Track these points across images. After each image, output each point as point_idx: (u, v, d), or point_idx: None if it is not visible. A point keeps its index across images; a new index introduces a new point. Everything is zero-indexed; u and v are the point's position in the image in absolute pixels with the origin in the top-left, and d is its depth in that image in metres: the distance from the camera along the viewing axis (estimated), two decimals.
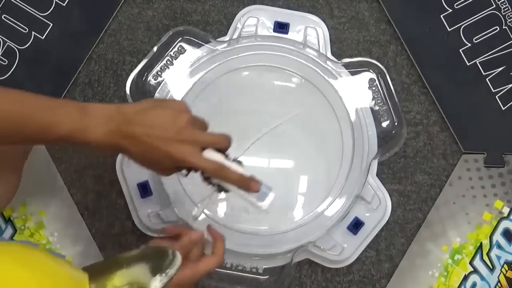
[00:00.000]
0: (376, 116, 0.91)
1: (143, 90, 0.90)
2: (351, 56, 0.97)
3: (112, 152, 0.66)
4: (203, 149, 0.66)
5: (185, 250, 0.69)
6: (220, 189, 0.70)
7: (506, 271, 0.94)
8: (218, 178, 0.68)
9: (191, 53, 0.92)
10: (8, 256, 0.46)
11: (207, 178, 0.69)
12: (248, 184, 0.67)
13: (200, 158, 0.65)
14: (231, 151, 0.69)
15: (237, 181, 0.67)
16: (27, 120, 0.60)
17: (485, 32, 0.98)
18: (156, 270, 0.50)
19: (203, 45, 0.92)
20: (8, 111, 0.59)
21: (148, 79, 0.91)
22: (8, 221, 0.93)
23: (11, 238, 0.93)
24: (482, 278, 0.94)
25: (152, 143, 0.63)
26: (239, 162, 0.69)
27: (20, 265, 0.45)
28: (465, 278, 0.94)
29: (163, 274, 0.50)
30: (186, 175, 0.69)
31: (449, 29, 0.98)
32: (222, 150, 0.68)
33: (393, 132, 0.91)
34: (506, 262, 0.94)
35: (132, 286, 0.50)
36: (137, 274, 0.51)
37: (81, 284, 0.49)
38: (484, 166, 0.96)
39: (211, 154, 0.66)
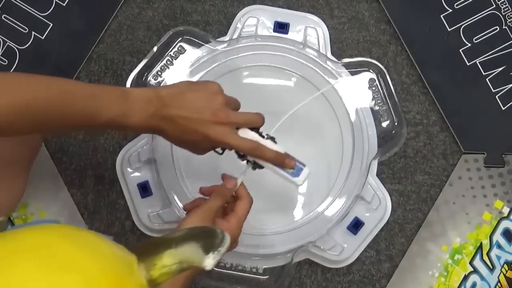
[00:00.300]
0: (376, 116, 0.91)
1: None
2: (351, 56, 0.97)
3: (150, 133, 0.70)
4: (238, 128, 0.69)
5: (224, 198, 0.72)
6: (255, 166, 0.72)
7: (506, 271, 0.94)
8: (254, 157, 0.71)
9: (191, 53, 0.92)
10: (64, 238, 0.47)
11: (241, 156, 0.72)
12: (284, 161, 0.71)
13: (236, 139, 0.68)
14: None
15: (273, 159, 0.70)
16: (72, 108, 0.61)
17: (485, 32, 0.98)
18: (208, 248, 0.51)
19: (203, 45, 0.92)
20: (54, 99, 0.60)
21: (148, 79, 0.91)
22: (8, 221, 0.93)
23: None
24: (482, 278, 0.94)
25: (190, 126, 0.67)
26: (273, 139, 0.72)
27: (79, 247, 0.46)
28: (465, 278, 0.94)
29: (216, 252, 0.50)
30: (222, 153, 0.73)
31: (449, 29, 0.98)
32: (256, 128, 0.71)
33: (393, 132, 0.91)
34: (506, 262, 0.94)
35: (182, 265, 0.50)
36: (188, 253, 0.51)
37: (131, 264, 0.49)
38: (484, 166, 0.96)
39: (246, 133, 0.69)
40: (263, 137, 0.71)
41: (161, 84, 0.90)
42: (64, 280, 0.41)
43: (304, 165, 0.73)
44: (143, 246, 0.53)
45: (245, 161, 0.72)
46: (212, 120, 0.67)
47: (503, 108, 0.97)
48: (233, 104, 0.71)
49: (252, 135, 0.70)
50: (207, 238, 0.52)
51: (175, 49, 0.92)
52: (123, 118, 0.64)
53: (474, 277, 0.94)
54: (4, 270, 0.41)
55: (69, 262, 0.43)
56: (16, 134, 0.62)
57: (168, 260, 0.50)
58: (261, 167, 0.72)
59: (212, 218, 0.69)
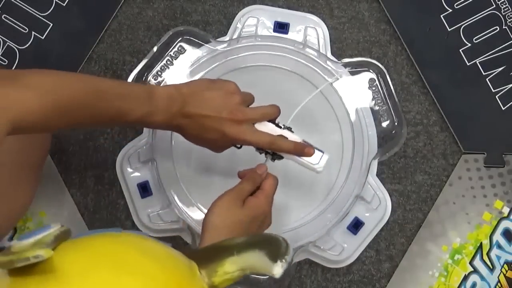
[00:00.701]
0: (376, 116, 0.91)
1: None
2: (351, 56, 0.97)
3: (169, 130, 0.73)
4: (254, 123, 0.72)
5: (254, 183, 0.74)
6: (274, 157, 0.75)
7: (506, 271, 0.94)
8: (273, 150, 0.73)
9: (191, 53, 0.92)
10: (131, 246, 0.49)
11: (260, 148, 0.74)
12: (303, 151, 0.73)
13: (254, 135, 0.71)
14: None
15: (292, 150, 0.73)
16: (104, 108, 0.63)
17: (485, 32, 0.98)
18: (274, 256, 0.51)
19: (203, 45, 0.92)
20: (90, 98, 0.61)
21: (148, 79, 0.91)
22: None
23: (11, 238, 0.93)
24: (482, 278, 0.94)
25: (208, 124, 0.69)
26: (289, 129, 0.74)
27: (145, 255, 0.48)
28: (465, 278, 0.94)
29: (283, 260, 0.51)
30: (240, 147, 0.75)
31: (449, 29, 0.98)
32: (272, 119, 0.74)
33: (393, 132, 0.91)
34: (506, 262, 0.94)
35: (244, 272, 0.52)
36: (251, 260, 0.52)
37: (193, 271, 0.50)
38: (484, 166, 0.96)
39: (263, 126, 0.72)
40: (280, 127, 0.73)
41: (161, 84, 0.90)
42: (133, 285, 0.43)
43: (322, 152, 0.75)
44: (202, 253, 0.55)
45: (263, 154, 0.75)
46: (229, 118, 0.69)
47: (503, 108, 0.97)
48: (249, 100, 0.74)
49: (270, 127, 0.72)
50: (271, 246, 0.52)
51: (175, 49, 0.92)
52: (148, 117, 0.67)
53: (474, 277, 0.94)
54: (80, 277, 0.43)
55: (138, 269, 0.45)
56: (50, 130, 0.64)
57: (230, 267, 0.51)
58: (280, 157, 0.74)
59: (242, 201, 0.71)
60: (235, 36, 0.94)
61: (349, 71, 0.92)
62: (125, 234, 0.52)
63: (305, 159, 0.74)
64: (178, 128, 0.71)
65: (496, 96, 0.97)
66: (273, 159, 0.75)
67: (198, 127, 0.70)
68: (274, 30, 0.94)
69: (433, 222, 0.95)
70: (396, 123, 0.91)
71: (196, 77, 0.91)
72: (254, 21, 0.95)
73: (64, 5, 0.98)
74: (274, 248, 0.52)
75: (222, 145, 0.73)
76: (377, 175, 0.92)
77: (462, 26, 0.98)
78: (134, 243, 0.50)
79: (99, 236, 0.50)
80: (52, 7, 0.98)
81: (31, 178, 0.82)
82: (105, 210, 0.96)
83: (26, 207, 0.84)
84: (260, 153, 0.75)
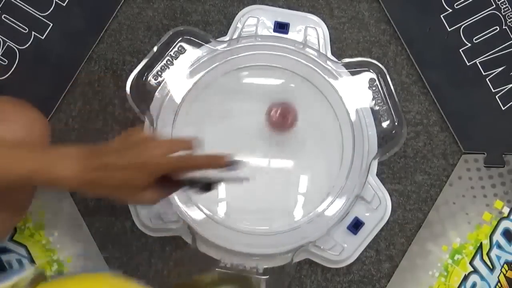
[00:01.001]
0: (376, 116, 0.91)
1: (143, 90, 0.90)
2: (351, 56, 0.97)
3: (85, 191, 0.64)
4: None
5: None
6: (204, 188, 0.68)
7: (506, 271, 0.94)
8: (187, 169, 0.66)
9: (191, 53, 0.92)
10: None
11: (192, 183, 0.68)
12: (218, 161, 0.66)
13: (162, 158, 0.64)
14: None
15: (206, 164, 0.66)
16: None
17: (485, 32, 0.98)
18: None
19: (203, 45, 0.92)
20: None
21: (148, 79, 0.91)
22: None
23: (11, 238, 0.93)
24: (482, 278, 0.94)
25: (122, 163, 0.63)
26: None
27: None
28: (465, 278, 0.94)
29: None
30: (207, 190, 0.69)
31: (449, 29, 0.98)
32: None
33: (393, 132, 0.91)
34: (506, 262, 0.94)
35: None
36: None
37: None
38: (484, 166, 0.96)
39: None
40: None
41: (161, 85, 0.91)
42: None
43: (239, 160, 0.66)
44: None
45: (197, 188, 0.69)
46: (133, 149, 0.64)
47: (503, 108, 0.97)
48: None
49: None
50: (243, 281, 0.54)
51: (175, 49, 0.92)
52: (44, 171, 0.61)
53: (474, 277, 0.94)
54: None
55: None
56: None
57: None
58: (210, 186, 0.68)
59: None
60: (235, 36, 0.94)
61: (349, 71, 0.92)
62: (101, 276, 0.53)
63: (228, 172, 0.66)
64: (93, 184, 0.64)
65: (496, 96, 0.97)
66: (205, 190, 0.68)
67: (114, 171, 0.63)
68: (274, 30, 0.94)
69: (433, 222, 0.95)
70: (396, 123, 0.91)
71: (196, 76, 0.91)
72: (254, 21, 0.95)
73: (64, 5, 0.98)
74: (246, 282, 0.53)
75: (143, 181, 0.64)
76: (377, 175, 0.92)
77: (462, 26, 0.98)
78: (111, 285, 0.51)
79: (77, 278, 0.52)
80: (52, 7, 0.98)
81: (8, 215, 0.80)
82: (105, 210, 0.96)
83: (25, 210, 0.84)
84: (189, 189, 0.69)
